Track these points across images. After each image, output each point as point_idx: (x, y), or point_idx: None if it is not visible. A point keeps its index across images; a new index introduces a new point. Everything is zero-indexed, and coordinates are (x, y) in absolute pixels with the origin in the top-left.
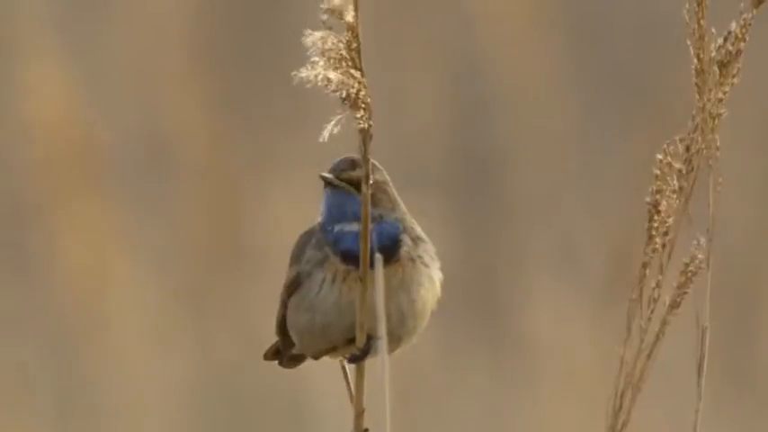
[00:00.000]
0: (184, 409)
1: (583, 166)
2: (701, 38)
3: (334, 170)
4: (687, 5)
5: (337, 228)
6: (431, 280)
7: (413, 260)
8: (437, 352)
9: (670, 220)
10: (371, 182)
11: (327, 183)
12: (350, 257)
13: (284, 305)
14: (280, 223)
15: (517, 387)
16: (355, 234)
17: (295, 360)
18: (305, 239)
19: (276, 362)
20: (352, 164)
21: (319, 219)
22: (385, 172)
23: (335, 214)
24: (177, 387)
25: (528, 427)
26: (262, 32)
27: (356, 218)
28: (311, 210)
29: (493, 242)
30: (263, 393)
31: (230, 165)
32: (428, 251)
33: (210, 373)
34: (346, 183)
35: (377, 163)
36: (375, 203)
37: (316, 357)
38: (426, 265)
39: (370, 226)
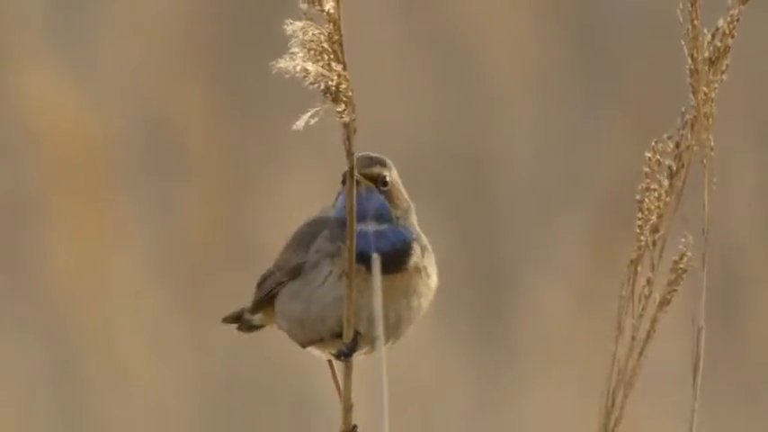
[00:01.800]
0: (184, 409)
1: (581, 166)
2: (695, 38)
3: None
4: (681, 5)
5: (358, 227)
6: (429, 289)
7: (419, 270)
8: (428, 353)
9: (654, 217)
10: (388, 179)
11: (348, 179)
12: (362, 258)
13: (278, 284)
14: (282, 221)
15: (510, 385)
16: (372, 234)
17: (254, 327)
18: (317, 228)
19: (235, 326)
20: (371, 161)
21: (332, 213)
22: (395, 172)
23: (357, 212)
24: (177, 387)
25: (520, 425)
26: (261, 29)
27: (376, 217)
28: (315, 207)
29: (484, 243)
30: (264, 394)
31: (231, 164)
32: (432, 261)
33: (210, 373)
34: (366, 179)
35: (389, 161)
36: (393, 204)
37: (303, 346)
38: (429, 276)
39: (385, 226)
